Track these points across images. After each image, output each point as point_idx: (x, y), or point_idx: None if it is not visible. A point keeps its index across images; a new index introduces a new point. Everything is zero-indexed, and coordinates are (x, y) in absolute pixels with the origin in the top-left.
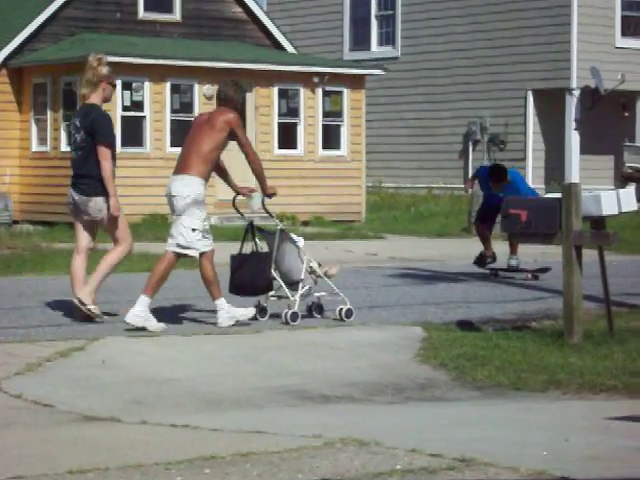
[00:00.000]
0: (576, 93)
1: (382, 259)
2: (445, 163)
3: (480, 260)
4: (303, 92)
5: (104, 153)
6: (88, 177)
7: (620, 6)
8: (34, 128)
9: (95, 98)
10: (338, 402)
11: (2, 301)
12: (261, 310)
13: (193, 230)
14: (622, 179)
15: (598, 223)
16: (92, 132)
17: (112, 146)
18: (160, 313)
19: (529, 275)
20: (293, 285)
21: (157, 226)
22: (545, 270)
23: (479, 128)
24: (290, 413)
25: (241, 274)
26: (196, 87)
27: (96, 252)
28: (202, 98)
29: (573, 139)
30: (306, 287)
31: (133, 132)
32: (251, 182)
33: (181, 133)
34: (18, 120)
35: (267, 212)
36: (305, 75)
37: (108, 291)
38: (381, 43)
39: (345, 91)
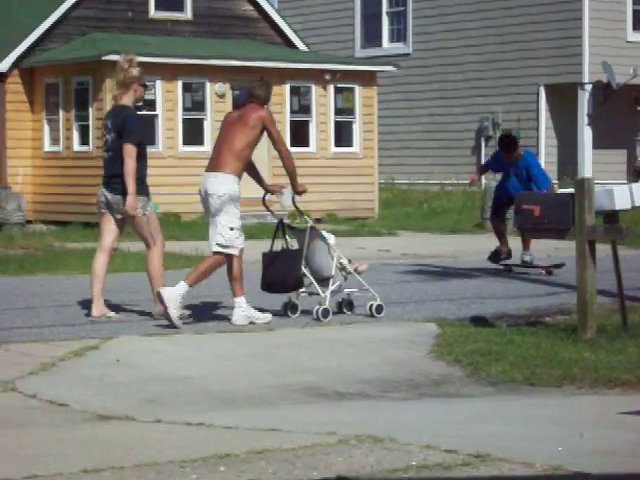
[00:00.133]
0: (588, 88)
1: (395, 255)
2: (457, 159)
3: (495, 256)
4: (315, 89)
5: (129, 150)
6: (121, 176)
7: (631, 0)
8: (46, 128)
9: (127, 99)
10: (352, 399)
11: (16, 301)
12: (292, 307)
13: (231, 229)
14: (635, 173)
15: (611, 218)
16: (122, 132)
17: (140, 145)
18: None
19: (543, 271)
20: (324, 282)
21: (170, 225)
22: (559, 266)
23: (491, 124)
24: (304, 410)
25: (272, 271)
26: (208, 85)
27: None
28: (214, 96)
29: (585, 134)
30: (336, 284)
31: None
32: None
33: (193, 132)
34: (30, 120)
35: (297, 209)
36: (317, 72)
37: (122, 290)
38: (392, 40)
39: (357, 88)
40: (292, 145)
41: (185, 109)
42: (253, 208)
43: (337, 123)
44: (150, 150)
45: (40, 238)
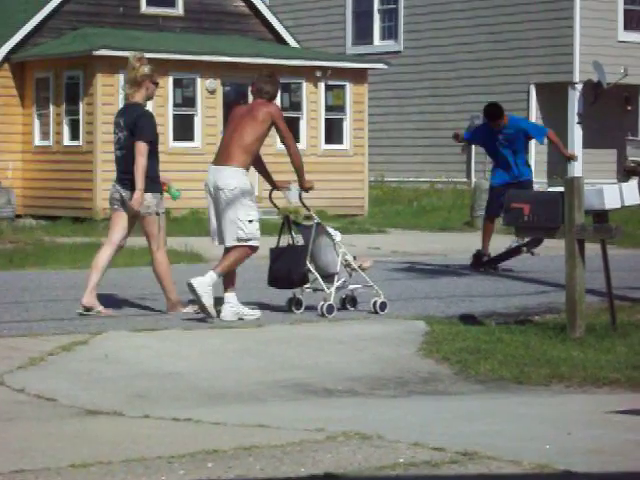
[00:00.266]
0: (579, 87)
1: (385, 253)
2: (448, 157)
3: (476, 260)
4: (305, 86)
5: (140, 148)
6: (133, 173)
7: (622, 0)
8: (37, 122)
9: (139, 97)
10: (341, 396)
11: (5, 295)
12: (296, 303)
13: (250, 221)
14: (625, 173)
15: (601, 217)
16: (134, 130)
17: (152, 143)
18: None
19: (524, 249)
20: (329, 278)
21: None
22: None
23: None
24: (293, 407)
25: (278, 267)
26: (198, 81)
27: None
28: (205, 92)
29: (576, 133)
30: (341, 280)
31: None
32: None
33: (183, 128)
34: (20, 114)
35: (304, 206)
36: (307, 69)
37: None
38: (383, 37)
39: (348, 85)
40: (282, 142)
41: (175, 105)
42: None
43: (327, 120)
44: None
45: (30, 232)
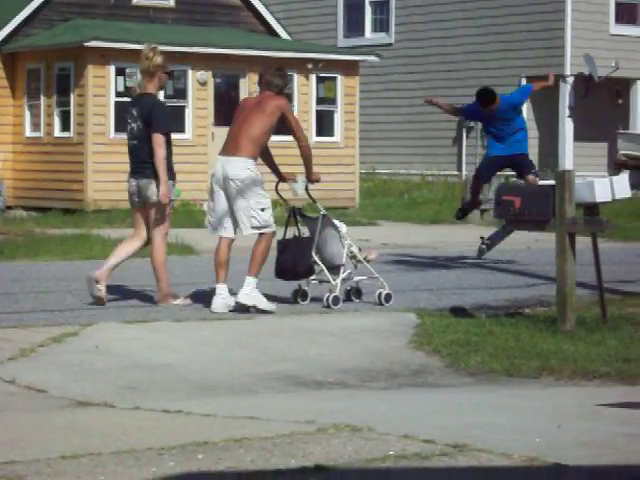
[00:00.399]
0: (570, 80)
1: (375, 245)
2: (439, 149)
3: (462, 211)
4: (297, 78)
5: (158, 140)
6: (148, 163)
7: None
8: (27, 114)
9: (151, 87)
10: (331, 388)
11: None
12: (302, 294)
13: (263, 210)
14: (616, 166)
15: (591, 210)
16: (149, 120)
17: (167, 134)
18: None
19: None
20: (334, 269)
21: None
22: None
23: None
24: (283, 399)
25: (284, 259)
26: (190, 73)
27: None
28: (196, 84)
29: (567, 126)
30: (347, 271)
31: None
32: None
33: (175, 119)
34: (11, 105)
35: (310, 198)
36: (299, 61)
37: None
38: (375, 30)
39: (339, 77)
40: (273, 134)
41: (167, 96)
42: None
43: (318, 112)
44: None
45: (20, 224)
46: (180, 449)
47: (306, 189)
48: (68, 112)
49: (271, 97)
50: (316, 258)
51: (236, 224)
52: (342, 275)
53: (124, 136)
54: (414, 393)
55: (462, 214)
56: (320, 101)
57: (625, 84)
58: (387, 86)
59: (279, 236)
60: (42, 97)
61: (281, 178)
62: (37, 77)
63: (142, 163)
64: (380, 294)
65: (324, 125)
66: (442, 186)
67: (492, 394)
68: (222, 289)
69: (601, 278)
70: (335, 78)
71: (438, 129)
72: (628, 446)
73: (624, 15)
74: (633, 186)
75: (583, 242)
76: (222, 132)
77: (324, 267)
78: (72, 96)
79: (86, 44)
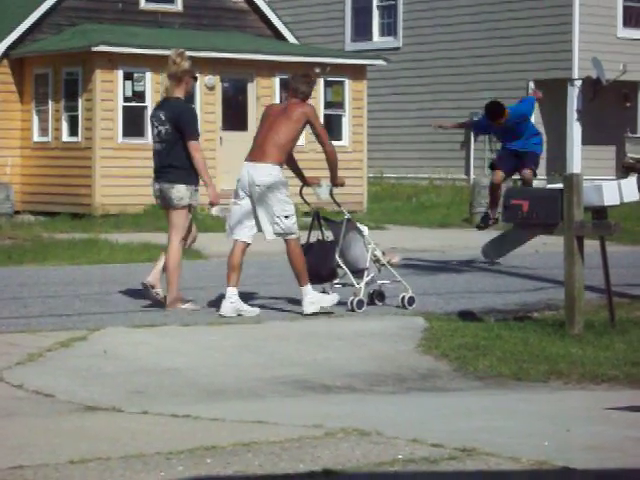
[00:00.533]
0: (578, 84)
1: (383, 249)
2: (447, 153)
3: (483, 220)
4: None
5: (195, 146)
6: (172, 167)
7: None
8: (35, 118)
9: (179, 92)
10: (339, 392)
11: (3, 291)
12: None
13: (286, 217)
14: (624, 169)
15: (600, 213)
16: (178, 125)
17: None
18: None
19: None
20: (358, 273)
21: (158, 217)
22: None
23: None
24: (291, 403)
25: (307, 262)
26: (197, 77)
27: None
28: (203, 88)
29: (575, 130)
30: (370, 275)
31: (134, 123)
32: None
33: None
34: (19, 110)
35: (335, 202)
36: (307, 65)
37: (111, 281)
38: (383, 34)
39: (347, 81)
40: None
41: None
42: None
43: (326, 116)
44: (140, 142)
45: (28, 229)
46: (188, 453)
47: (330, 193)
48: (76, 117)
49: (297, 104)
50: (340, 262)
51: (259, 228)
52: (366, 279)
53: (133, 141)
54: (422, 397)
55: (484, 223)
56: (328, 105)
57: (633, 87)
58: (395, 90)
59: (303, 240)
60: (50, 102)
61: (305, 182)
62: (45, 82)
63: (165, 167)
64: (403, 297)
65: (332, 129)
66: (450, 190)
67: (500, 398)
68: (232, 293)
69: (609, 282)
70: (343, 82)
71: (446, 133)
72: (636, 450)
73: (632, 18)
74: None
75: (591, 246)
76: (230, 136)
77: (348, 271)
78: (80, 101)
79: (94, 49)
